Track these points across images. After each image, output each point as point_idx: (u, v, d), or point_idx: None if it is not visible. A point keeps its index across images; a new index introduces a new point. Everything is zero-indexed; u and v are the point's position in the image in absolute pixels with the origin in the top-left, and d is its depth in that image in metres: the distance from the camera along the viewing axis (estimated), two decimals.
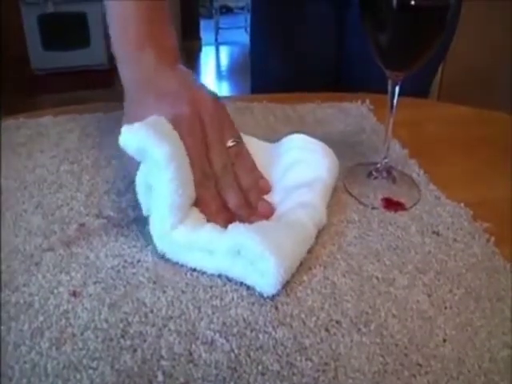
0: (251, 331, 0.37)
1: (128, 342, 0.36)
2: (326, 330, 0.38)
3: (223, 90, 3.78)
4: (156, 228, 0.43)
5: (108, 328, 0.37)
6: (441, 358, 0.36)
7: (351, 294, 0.41)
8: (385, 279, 0.43)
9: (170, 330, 0.37)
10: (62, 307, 0.39)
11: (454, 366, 0.36)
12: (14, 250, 0.44)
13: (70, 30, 3.47)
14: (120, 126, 0.44)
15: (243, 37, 4.66)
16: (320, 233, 0.46)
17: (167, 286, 0.41)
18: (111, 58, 3.65)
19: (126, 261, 0.44)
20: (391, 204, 0.52)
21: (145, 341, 0.36)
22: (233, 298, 0.40)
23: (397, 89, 0.51)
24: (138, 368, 0.35)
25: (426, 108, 0.78)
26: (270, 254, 0.39)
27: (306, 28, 0.92)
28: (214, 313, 0.39)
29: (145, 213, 0.45)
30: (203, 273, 0.42)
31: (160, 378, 0.34)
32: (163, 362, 0.35)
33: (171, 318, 0.38)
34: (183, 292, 0.41)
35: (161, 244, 0.43)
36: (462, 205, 0.52)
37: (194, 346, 0.36)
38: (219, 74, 4.16)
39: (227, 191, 0.47)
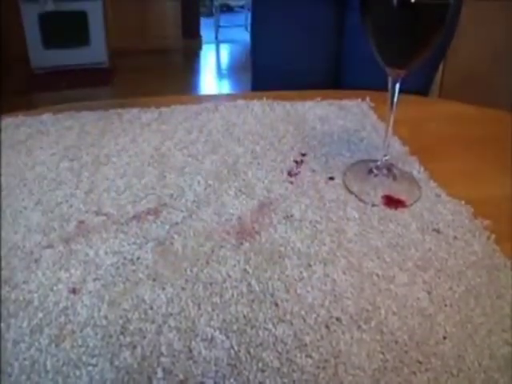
0: (251, 328, 0.37)
1: (127, 339, 0.36)
2: (326, 326, 0.38)
3: (224, 87, 3.78)
4: None
5: (107, 325, 0.37)
6: (441, 355, 0.36)
7: (351, 291, 0.41)
8: (385, 276, 0.43)
9: (169, 326, 0.37)
10: (61, 304, 0.39)
11: (453, 363, 0.35)
12: (13, 247, 0.44)
13: (70, 28, 3.47)
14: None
15: (243, 35, 4.67)
16: (320, 230, 0.46)
17: (167, 283, 0.41)
18: (111, 57, 3.65)
19: (125, 258, 0.44)
20: (391, 201, 0.52)
21: (144, 338, 0.36)
22: (232, 295, 0.40)
23: (397, 86, 0.51)
24: (138, 365, 0.34)
25: (426, 105, 0.78)
26: None
27: (306, 27, 0.92)
28: (213, 310, 0.39)
29: None
30: (203, 269, 0.42)
31: (160, 374, 0.34)
32: (163, 359, 0.35)
33: (171, 314, 0.38)
34: (183, 289, 0.41)
35: None
36: (463, 202, 0.52)
37: (193, 342, 0.36)
38: (219, 72, 4.16)
39: None
